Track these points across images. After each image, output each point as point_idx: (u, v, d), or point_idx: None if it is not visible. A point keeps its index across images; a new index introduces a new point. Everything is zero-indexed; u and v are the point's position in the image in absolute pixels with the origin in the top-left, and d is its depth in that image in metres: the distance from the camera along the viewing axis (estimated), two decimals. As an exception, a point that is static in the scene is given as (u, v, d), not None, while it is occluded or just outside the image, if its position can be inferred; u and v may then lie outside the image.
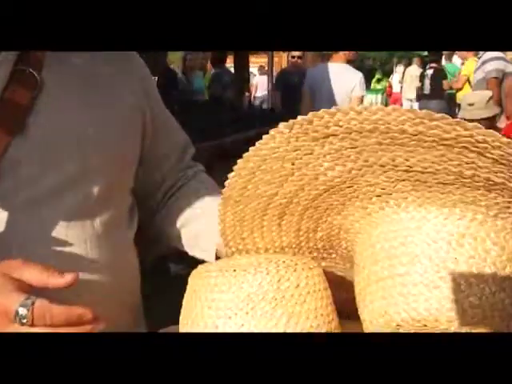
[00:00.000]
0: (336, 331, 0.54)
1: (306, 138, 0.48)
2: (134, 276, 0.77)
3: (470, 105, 2.54)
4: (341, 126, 0.46)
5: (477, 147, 0.43)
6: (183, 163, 0.83)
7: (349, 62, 3.34)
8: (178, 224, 0.78)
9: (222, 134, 3.45)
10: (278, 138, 0.49)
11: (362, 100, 3.30)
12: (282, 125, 0.48)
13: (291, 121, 0.47)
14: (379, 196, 0.53)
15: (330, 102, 3.06)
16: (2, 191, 0.60)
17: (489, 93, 2.89)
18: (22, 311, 0.48)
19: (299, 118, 0.47)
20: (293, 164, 0.51)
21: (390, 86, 9.12)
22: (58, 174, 0.63)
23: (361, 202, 0.55)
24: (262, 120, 4.40)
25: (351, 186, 0.53)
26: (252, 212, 0.58)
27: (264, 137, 0.49)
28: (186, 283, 0.57)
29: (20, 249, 0.60)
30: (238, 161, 0.53)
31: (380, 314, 0.51)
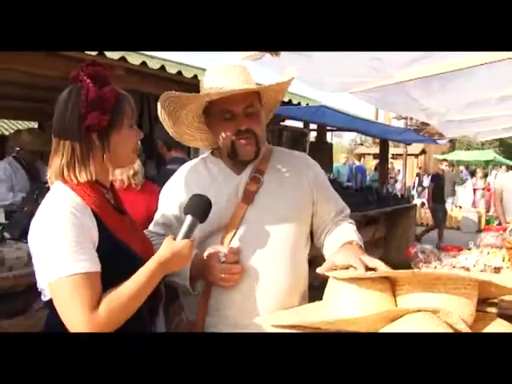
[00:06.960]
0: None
1: None
2: (305, 275, 1.56)
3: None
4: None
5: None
6: (338, 217, 1.62)
7: None
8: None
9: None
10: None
11: None
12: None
13: None
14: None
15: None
16: (245, 233, 1.46)
17: None
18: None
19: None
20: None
21: (489, 184, 14.65)
22: (277, 222, 1.48)
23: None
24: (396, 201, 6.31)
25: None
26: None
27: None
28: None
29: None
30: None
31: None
